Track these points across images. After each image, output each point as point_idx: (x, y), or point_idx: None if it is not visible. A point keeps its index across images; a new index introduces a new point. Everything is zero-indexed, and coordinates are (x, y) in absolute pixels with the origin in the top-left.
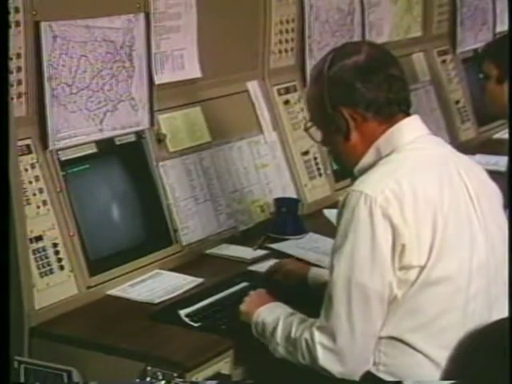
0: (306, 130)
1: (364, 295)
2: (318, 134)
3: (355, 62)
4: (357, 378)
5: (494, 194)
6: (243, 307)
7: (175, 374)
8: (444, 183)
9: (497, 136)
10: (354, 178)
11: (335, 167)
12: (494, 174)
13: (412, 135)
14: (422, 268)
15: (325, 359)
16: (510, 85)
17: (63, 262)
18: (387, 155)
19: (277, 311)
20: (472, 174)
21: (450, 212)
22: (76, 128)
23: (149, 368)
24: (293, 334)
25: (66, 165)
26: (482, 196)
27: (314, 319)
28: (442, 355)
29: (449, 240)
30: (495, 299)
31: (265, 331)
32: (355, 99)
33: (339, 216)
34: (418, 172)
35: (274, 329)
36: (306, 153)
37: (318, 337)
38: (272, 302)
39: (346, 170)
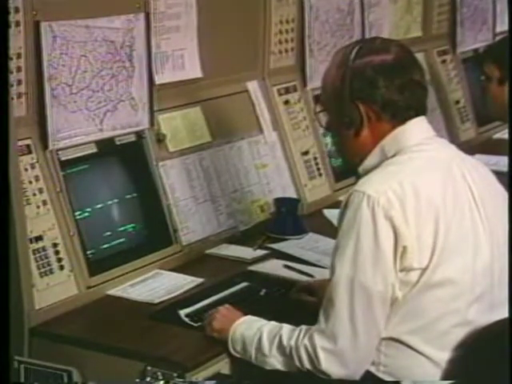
0: (316, 113)
1: (367, 296)
2: (324, 119)
3: (382, 61)
4: (357, 378)
5: (500, 196)
6: (216, 324)
7: (175, 374)
8: (448, 186)
9: (497, 136)
10: (357, 176)
11: (335, 164)
12: (493, 174)
13: (417, 137)
14: (424, 270)
15: (327, 363)
16: (510, 85)
17: (63, 262)
18: (392, 156)
19: (256, 324)
20: (477, 176)
21: (453, 215)
22: (76, 128)
23: (149, 368)
24: (285, 343)
25: (65, 165)
26: (487, 199)
27: (306, 326)
28: (443, 356)
29: (451, 243)
30: (498, 302)
31: (247, 346)
32: (374, 97)
33: (341, 216)
34: (421, 174)
35: (259, 341)
36: (306, 153)
37: (319, 340)
38: (245, 316)
39: (348, 162)
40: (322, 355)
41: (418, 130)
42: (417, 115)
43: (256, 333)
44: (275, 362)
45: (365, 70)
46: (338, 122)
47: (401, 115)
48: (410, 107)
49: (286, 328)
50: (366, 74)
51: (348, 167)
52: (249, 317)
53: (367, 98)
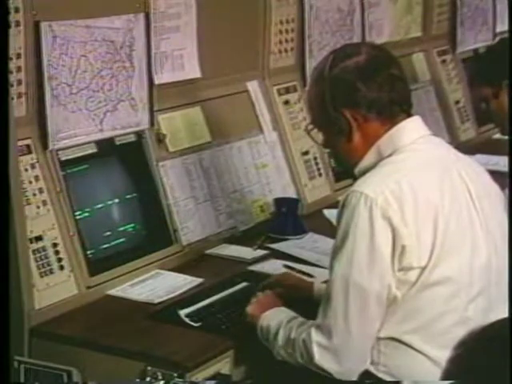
0: (308, 132)
1: (362, 295)
2: (319, 136)
3: (356, 63)
4: (354, 377)
5: (496, 195)
6: (250, 310)
7: (175, 374)
8: (445, 184)
9: (497, 136)
10: (356, 178)
11: (335, 165)
12: (493, 174)
13: (413, 136)
14: (423, 269)
15: (320, 357)
16: (510, 85)
17: (63, 262)
18: (388, 156)
19: (280, 316)
20: (474, 175)
21: (451, 213)
22: (76, 128)
23: (149, 368)
24: (292, 336)
25: (65, 165)
26: (484, 197)
27: (313, 321)
28: (442, 355)
29: (450, 241)
30: (496, 301)
31: (269, 335)
32: (357, 100)
33: (339, 216)
34: (418, 173)
35: (277, 332)
36: (306, 153)
37: (315, 335)
38: (277, 307)
39: (348, 170)
40: (315, 349)
41: (413, 130)
42: (402, 110)
43: (277, 324)
44: (284, 353)
45: (341, 76)
46: (328, 134)
47: (386, 112)
48: (393, 102)
49: (298, 322)
50: (344, 80)
51: (349, 171)
52: (279, 308)
53: (350, 103)
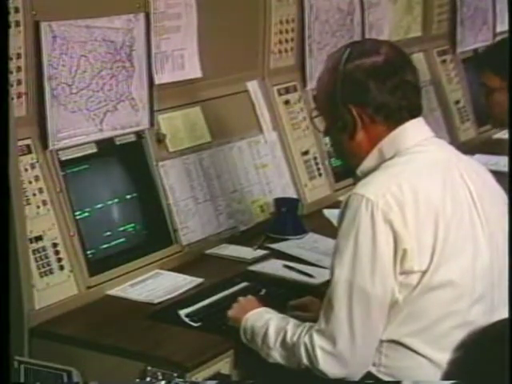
0: (312, 119)
1: (365, 299)
2: (322, 124)
3: (373, 63)
4: (356, 379)
5: (498, 197)
6: (231, 313)
7: (175, 374)
8: (446, 187)
9: (497, 136)
10: (356, 179)
11: (335, 164)
12: (493, 174)
13: (416, 138)
14: (424, 273)
15: (325, 363)
16: (510, 85)
17: (63, 262)
18: (390, 158)
19: (266, 316)
20: (476, 177)
21: (453, 216)
22: (76, 128)
23: (149, 368)
24: (288, 339)
25: (65, 165)
26: (486, 199)
27: (310, 323)
28: (443, 358)
29: (451, 245)
30: (498, 303)
31: (255, 337)
32: (366, 100)
33: (341, 218)
34: (420, 176)
35: (265, 334)
36: (305, 153)
37: (318, 340)
38: (261, 308)
39: (348, 166)
40: (320, 355)
41: (416, 132)
42: (411, 116)
43: (264, 325)
44: (277, 355)
45: (356, 73)
46: (332, 126)
47: (394, 117)
48: (402, 108)
49: (292, 323)
50: (357, 78)
51: (347, 168)
52: (263, 308)
53: (359, 102)
